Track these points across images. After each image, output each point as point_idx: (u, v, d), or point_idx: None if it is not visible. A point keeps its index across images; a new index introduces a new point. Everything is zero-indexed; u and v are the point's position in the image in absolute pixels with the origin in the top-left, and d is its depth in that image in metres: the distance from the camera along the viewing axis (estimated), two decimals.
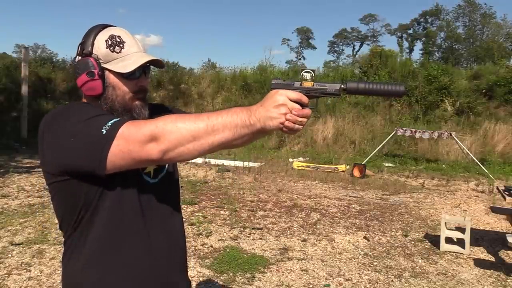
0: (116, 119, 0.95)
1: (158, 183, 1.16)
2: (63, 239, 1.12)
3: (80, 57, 1.07)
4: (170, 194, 1.22)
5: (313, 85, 0.99)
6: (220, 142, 0.94)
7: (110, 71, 1.06)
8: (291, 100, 0.94)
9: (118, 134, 0.91)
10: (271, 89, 0.99)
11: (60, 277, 1.15)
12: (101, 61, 1.05)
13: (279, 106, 0.93)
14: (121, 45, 1.07)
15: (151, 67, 1.15)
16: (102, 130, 0.92)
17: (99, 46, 1.06)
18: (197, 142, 0.92)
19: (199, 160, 9.13)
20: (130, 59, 1.06)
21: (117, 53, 1.06)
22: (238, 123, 0.93)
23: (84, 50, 1.06)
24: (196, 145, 0.93)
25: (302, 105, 0.96)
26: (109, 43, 1.06)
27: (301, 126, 0.96)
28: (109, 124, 0.93)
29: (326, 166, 9.33)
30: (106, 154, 0.91)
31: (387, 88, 0.98)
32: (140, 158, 0.93)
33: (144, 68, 1.10)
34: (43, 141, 1.00)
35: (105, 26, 1.10)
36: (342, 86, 0.99)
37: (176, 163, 1.27)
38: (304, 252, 4.15)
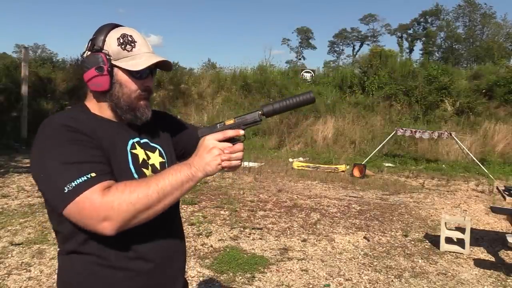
0: (82, 179, 0.93)
1: None
2: (57, 239, 1.11)
3: (89, 53, 1.08)
4: None
5: (235, 121, 1.06)
6: (171, 202, 0.99)
7: (119, 68, 1.08)
8: (220, 141, 1.02)
9: (75, 201, 0.93)
10: (199, 138, 1.06)
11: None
12: (111, 57, 1.07)
13: (210, 150, 1.01)
14: (132, 44, 1.09)
15: (157, 69, 1.17)
16: (65, 188, 0.93)
17: (111, 43, 1.07)
18: (150, 210, 0.97)
19: None
20: (140, 58, 1.08)
21: (128, 51, 1.08)
22: (184, 179, 0.99)
23: (95, 46, 1.07)
24: (150, 212, 0.97)
25: (232, 141, 1.03)
26: (121, 41, 1.08)
27: (239, 161, 1.03)
28: (73, 184, 0.93)
29: (326, 166, 9.33)
30: (62, 210, 0.95)
31: (298, 100, 1.06)
32: (92, 230, 0.96)
33: (151, 70, 1.12)
34: (31, 154, 1.03)
35: (116, 25, 1.12)
36: (260, 112, 1.07)
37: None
38: (304, 252, 4.15)
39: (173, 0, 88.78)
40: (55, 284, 3.18)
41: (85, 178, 0.93)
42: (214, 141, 1.01)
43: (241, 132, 1.03)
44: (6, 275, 3.30)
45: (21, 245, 3.94)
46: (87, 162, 0.96)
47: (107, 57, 1.06)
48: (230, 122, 1.06)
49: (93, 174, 0.94)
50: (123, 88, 1.08)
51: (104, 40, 1.07)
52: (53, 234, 4.21)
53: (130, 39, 1.09)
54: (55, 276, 3.31)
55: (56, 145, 0.98)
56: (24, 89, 11.37)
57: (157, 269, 1.12)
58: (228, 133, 1.02)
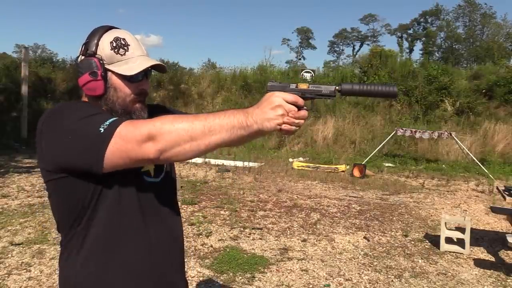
0: (114, 118, 0.96)
1: (159, 182, 1.17)
2: (61, 239, 1.12)
3: (83, 57, 1.08)
4: (169, 193, 1.23)
5: (308, 87, 1.00)
6: (216, 142, 0.94)
7: (113, 72, 1.07)
8: (287, 102, 0.95)
9: (116, 132, 0.92)
10: (267, 91, 1.00)
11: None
12: (104, 62, 1.06)
13: (276, 108, 0.94)
14: (125, 47, 1.08)
15: (152, 70, 1.16)
16: (100, 129, 0.92)
17: (104, 47, 1.06)
18: (194, 142, 0.93)
19: (199, 160, 9.14)
20: (134, 62, 1.08)
21: (121, 55, 1.07)
22: (235, 125, 0.93)
23: (88, 50, 1.06)
24: (193, 145, 0.93)
25: (299, 107, 0.97)
26: (114, 45, 1.07)
27: (298, 128, 0.97)
28: (107, 123, 0.93)
29: (326, 166, 9.33)
30: (104, 152, 0.92)
31: (381, 89, 1.00)
32: (137, 157, 0.93)
33: (146, 72, 1.10)
34: (41, 138, 1.00)
35: (110, 28, 1.11)
36: (337, 87, 1.01)
37: (173, 163, 1.28)
38: (304, 252, 4.15)
39: (173, 0, 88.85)
40: (55, 284, 3.18)
41: (116, 118, 0.96)
42: (282, 99, 0.94)
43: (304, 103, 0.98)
44: (6, 275, 3.30)
45: (21, 245, 3.94)
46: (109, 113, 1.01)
47: (101, 61, 1.05)
48: (303, 86, 1.00)
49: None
50: (118, 92, 1.08)
51: (97, 44, 1.06)
52: (53, 234, 4.21)
53: (123, 42, 1.07)
54: (55, 276, 3.31)
55: (74, 109, 1.01)
56: (24, 89, 11.38)
57: (156, 265, 1.12)
58: (299, 100, 0.96)
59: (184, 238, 1.28)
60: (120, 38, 1.08)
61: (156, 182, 1.15)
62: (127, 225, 1.07)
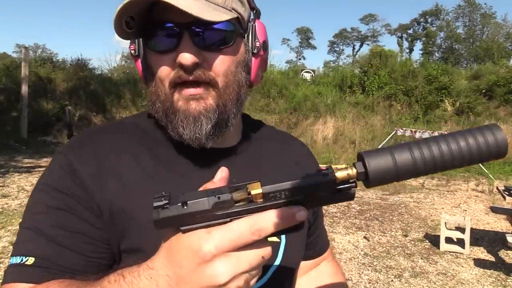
0: (16, 260, 0.59)
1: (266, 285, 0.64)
2: None
3: None
4: None
5: (263, 192, 0.41)
6: None
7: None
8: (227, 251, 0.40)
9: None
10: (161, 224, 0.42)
11: None
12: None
13: (205, 265, 0.40)
14: None
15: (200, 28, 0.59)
16: (11, 259, 0.60)
17: None
18: None
19: None
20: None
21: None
22: None
23: None
24: None
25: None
26: None
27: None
28: (11, 261, 0.60)
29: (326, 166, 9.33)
30: None
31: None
32: None
33: (180, 29, 0.58)
34: None
35: None
36: (353, 171, 0.45)
37: (299, 241, 0.73)
38: None
39: None
40: None
41: (18, 261, 0.58)
42: (215, 247, 0.40)
43: (301, 214, 0.41)
44: None
45: None
46: (43, 235, 0.59)
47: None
48: (256, 191, 0.41)
49: (30, 261, 0.57)
50: (154, 78, 0.62)
51: None
52: None
53: None
54: None
55: (40, 186, 0.64)
56: (24, 89, 11.38)
57: None
58: (266, 228, 0.40)
59: None
60: None
61: None
62: None
